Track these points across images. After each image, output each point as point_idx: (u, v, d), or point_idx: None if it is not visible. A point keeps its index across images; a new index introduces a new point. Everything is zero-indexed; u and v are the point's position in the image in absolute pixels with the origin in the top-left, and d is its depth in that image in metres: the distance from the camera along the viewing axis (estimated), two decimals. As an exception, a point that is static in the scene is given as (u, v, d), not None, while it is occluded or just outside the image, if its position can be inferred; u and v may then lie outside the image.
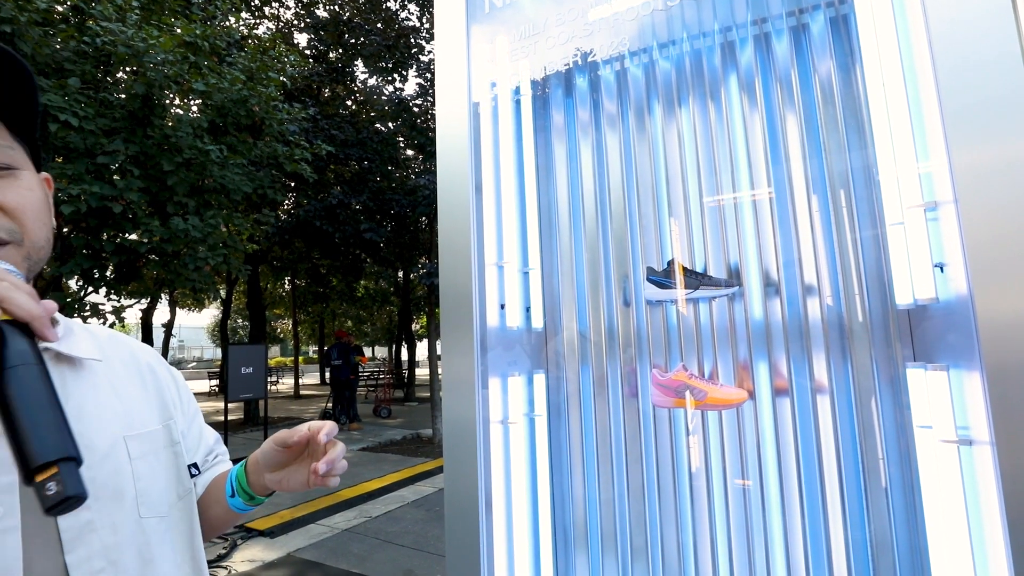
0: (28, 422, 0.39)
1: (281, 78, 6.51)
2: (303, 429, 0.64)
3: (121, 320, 5.85)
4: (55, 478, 0.38)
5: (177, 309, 17.52)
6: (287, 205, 10.89)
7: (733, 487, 1.22)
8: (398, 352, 19.04)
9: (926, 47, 0.98)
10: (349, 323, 20.85)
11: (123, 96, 5.30)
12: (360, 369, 10.64)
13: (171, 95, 5.66)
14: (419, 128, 9.35)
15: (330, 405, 10.25)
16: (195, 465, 0.73)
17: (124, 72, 5.54)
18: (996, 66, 0.90)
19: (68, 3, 5.13)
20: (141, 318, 11.94)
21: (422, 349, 20.63)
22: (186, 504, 0.69)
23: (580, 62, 1.45)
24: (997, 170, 0.89)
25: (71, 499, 0.38)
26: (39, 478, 0.38)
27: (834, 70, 1.20)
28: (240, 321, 29.36)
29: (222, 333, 12.69)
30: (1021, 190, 0.88)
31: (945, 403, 0.99)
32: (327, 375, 9.85)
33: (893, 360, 1.12)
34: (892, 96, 1.06)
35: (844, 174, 1.18)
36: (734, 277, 1.27)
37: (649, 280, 1.31)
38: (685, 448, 1.28)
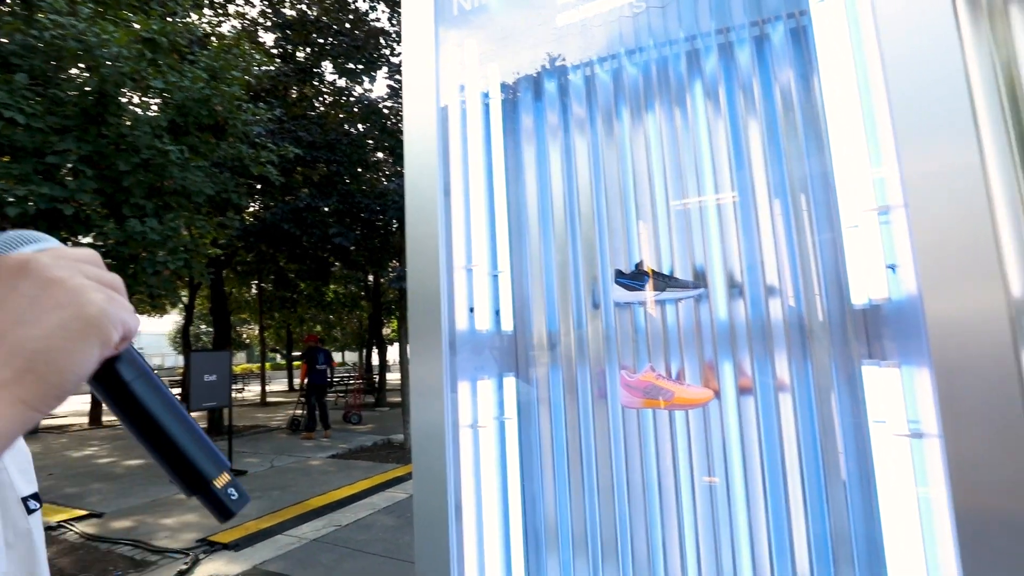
0: (183, 438, 0.38)
1: (246, 77, 6.35)
2: None
3: (74, 327, 5.57)
4: (232, 484, 0.39)
5: (137, 315, 16.82)
6: (253, 208, 10.62)
7: (700, 484, 1.25)
8: (369, 357, 18.78)
9: (879, 59, 1.02)
10: (318, 328, 20.46)
11: (75, 93, 5.07)
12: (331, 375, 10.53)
13: (128, 93, 5.45)
14: (389, 130, 9.26)
15: (301, 412, 10.00)
16: (35, 496, 0.55)
17: (77, 68, 5.31)
18: (943, 79, 0.95)
19: (15, -6, 4.90)
20: (96, 325, 11.39)
21: (393, 354, 20.41)
22: (22, 550, 0.51)
23: (549, 66, 1.46)
24: (945, 176, 0.94)
25: (245, 502, 0.40)
26: (219, 484, 0.38)
27: (793, 79, 1.24)
28: (204, 327, 28.45)
29: (184, 339, 12.27)
30: (967, 195, 0.92)
31: (898, 399, 1.03)
32: (304, 381, 9.65)
33: (850, 358, 1.16)
34: (847, 105, 1.10)
35: (803, 179, 1.22)
36: (699, 279, 1.29)
37: (617, 282, 1.32)
38: (654, 447, 1.29)
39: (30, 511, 0.53)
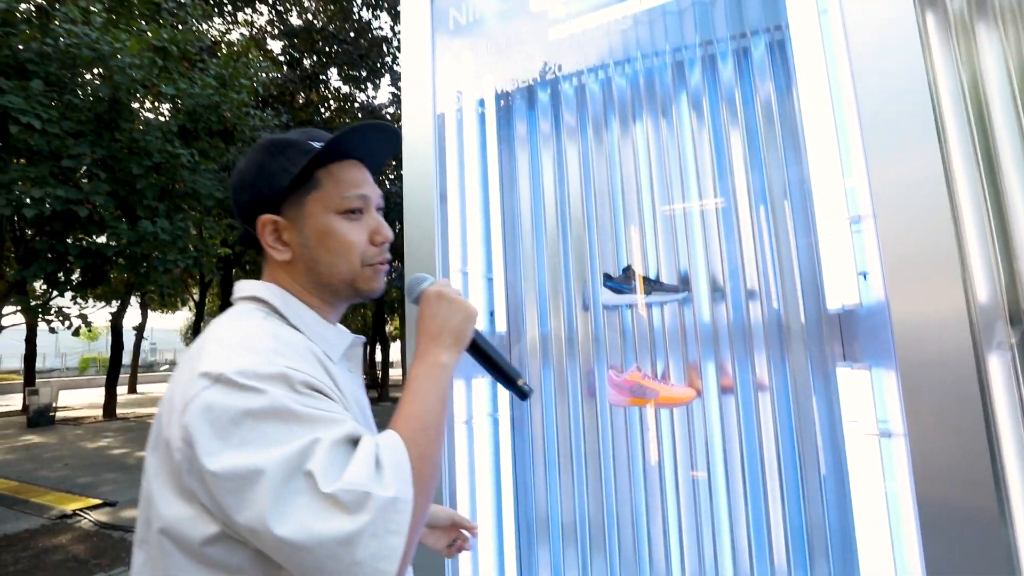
0: (501, 359, 0.75)
1: (254, 84, 6.47)
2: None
3: (88, 324, 5.72)
4: (526, 383, 0.76)
5: (148, 312, 17.12)
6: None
7: (684, 479, 1.30)
8: (372, 353, 18.92)
9: (849, 73, 1.07)
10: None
11: (89, 99, 5.20)
12: None
13: (140, 98, 5.58)
14: (393, 135, 9.39)
15: None
16: None
17: (91, 75, 5.44)
18: (908, 93, 0.99)
19: (31, 3, 5.03)
20: (111, 321, 11.66)
21: (396, 351, 20.49)
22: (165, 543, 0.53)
23: (540, 78, 1.53)
24: (910, 187, 0.98)
25: (532, 391, 0.78)
26: (519, 383, 0.75)
27: (773, 91, 1.30)
28: (213, 325, 28.60)
29: (195, 335, 12.45)
30: (931, 205, 0.97)
31: (868, 399, 1.08)
32: None
33: (825, 360, 1.21)
34: (822, 116, 1.15)
35: (783, 187, 1.28)
36: (684, 283, 1.35)
37: (606, 286, 1.38)
38: (640, 444, 1.35)
39: None
